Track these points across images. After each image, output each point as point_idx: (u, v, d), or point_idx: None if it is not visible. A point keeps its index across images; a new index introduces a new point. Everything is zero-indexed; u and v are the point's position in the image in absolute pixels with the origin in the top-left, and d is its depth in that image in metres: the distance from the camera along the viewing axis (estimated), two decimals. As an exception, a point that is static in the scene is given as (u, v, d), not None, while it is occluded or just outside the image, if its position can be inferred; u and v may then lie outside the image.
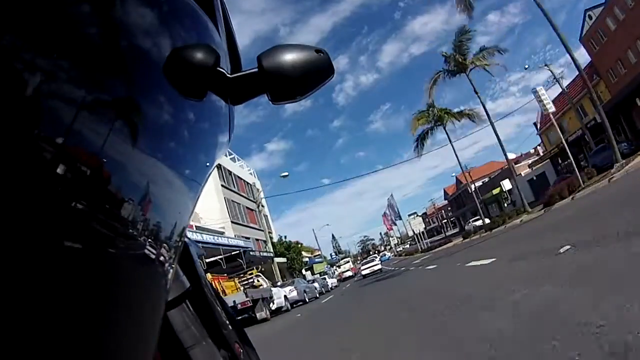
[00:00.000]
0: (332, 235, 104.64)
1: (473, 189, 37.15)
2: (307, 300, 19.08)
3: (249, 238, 28.89)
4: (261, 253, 28.38)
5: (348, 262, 48.65)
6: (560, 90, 29.68)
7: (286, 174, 30.16)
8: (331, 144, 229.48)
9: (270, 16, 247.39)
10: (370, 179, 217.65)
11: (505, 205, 43.30)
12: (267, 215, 41.29)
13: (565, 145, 18.38)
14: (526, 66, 37.81)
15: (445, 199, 72.07)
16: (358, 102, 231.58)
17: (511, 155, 47.93)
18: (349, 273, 42.95)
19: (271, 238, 31.81)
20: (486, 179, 51.76)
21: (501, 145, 23.03)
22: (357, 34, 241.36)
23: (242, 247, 22.91)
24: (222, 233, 24.08)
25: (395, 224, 54.10)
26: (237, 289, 13.39)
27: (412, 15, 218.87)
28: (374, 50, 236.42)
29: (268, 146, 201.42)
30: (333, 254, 59.06)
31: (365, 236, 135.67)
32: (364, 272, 34.75)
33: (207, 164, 0.70)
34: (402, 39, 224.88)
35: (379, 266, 35.89)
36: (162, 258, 0.48)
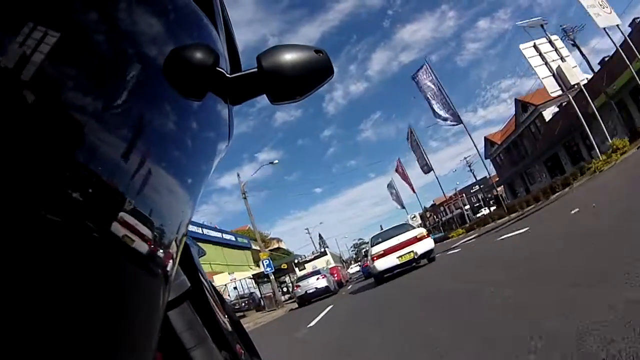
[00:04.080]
0: (320, 235, 79.71)
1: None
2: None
3: None
4: None
5: (325, 256, 20.88)
6: None
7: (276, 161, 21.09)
8: (322, 153, 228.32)
9: (258, 27, 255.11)
10: (362, 188, 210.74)
11: None
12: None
13: None
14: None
15: (486, 158, 44.86)
16: (348, 111, 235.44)
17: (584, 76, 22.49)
18: (321, 283, 15.36)
19: None
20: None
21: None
22: (346, 43, 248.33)
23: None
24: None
25: (430, 169, 26.24)
26: None
27: (401, 23, 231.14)
28: (364, 58, 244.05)
29: (259, 156, 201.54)
30: (315, 252, 28.57)
31: (360, 239, 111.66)
32: (381, 265, 9.61)
33: (208, 163, 0.70)
34: (392, 47, 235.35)
35: (430, 245, 9.70)
36: (162, 258, 0.47)
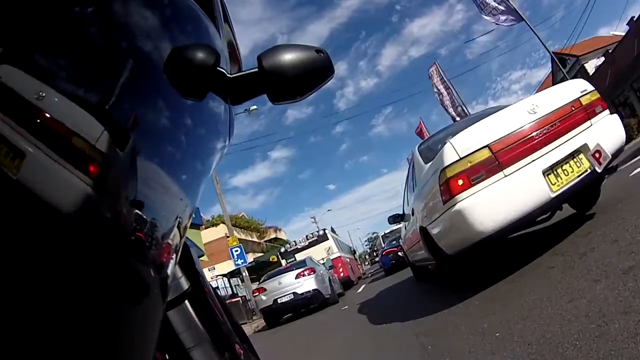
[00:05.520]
0: (332, 228, 73.46)
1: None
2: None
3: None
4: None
5: (325, 242, 14.01)
6: None
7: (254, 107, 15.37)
8: (334, 150, 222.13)
9: (267, 25, 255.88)
10: (375, 183, 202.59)
11: None
12: None
13: None
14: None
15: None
16: (359, 106, 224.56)
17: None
18: (304, 284, 7.69)
19: None
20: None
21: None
22: (355, 39, 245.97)
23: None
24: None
25: (466, 114, 19.06)
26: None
27: (409, 18, 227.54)
28: (373, 54, 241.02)
29: (271, 154, 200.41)
30: (310, 236, 17.93)
31: (374, 233, 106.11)
32: (493, 213, 1.98)
33: (207, 163, 0.69)
34: (401, 42, 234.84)
35: (620, 132, 2.27)
36: (162, 258, 0.47)
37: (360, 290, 10.11)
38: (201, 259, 20.95)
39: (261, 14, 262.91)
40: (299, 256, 13.59)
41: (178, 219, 0.53)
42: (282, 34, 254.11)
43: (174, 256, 0.52)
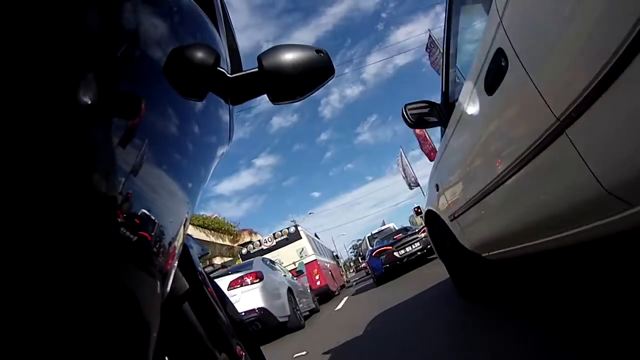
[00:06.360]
0: (315, 234, 70.05)
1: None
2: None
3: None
4: None
5: (298, 241, 10.99)
6: None
7: None
8: (319, 158, 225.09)
9: (253, 32, 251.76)
10: (360, 191, 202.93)
11: None
12: None
13: None
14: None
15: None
16: (344, 115, 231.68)
17: None
18: (248, 298, 4.46)
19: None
20: None
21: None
22: (341, 47, 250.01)
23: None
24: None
25: None
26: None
27: (395, 25, 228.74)
28: (359, 62, 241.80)
29: (256, 162, 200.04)
30: (279, 234, 13.59)
31: (359, 239, 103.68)
32: None
33: (208, 164, 0.69)
34: (386, 50, 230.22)
35: None
36: (160, 260, 0.46)
37: (340, 306, 7.16)
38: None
39: (247, 21, 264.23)
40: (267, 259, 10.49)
41: (178, 219, 0.52)
42: (267, 41, 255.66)
43: (173, 258, 0.50)
